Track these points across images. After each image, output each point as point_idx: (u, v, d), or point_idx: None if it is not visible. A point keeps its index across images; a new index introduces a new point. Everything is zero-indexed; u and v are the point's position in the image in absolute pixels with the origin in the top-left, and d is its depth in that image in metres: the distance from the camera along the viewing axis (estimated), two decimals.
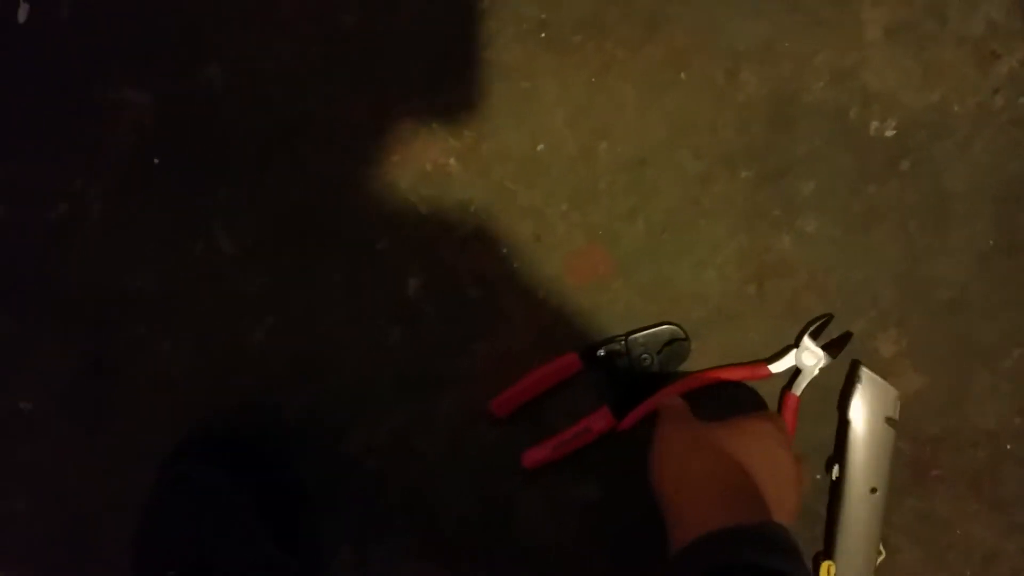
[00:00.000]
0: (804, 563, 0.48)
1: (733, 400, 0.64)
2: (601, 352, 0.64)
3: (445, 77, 0.63)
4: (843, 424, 0.63)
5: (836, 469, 0.63)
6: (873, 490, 0.62)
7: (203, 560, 0.63)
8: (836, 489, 0.63)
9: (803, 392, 0.63)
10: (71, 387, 0.68)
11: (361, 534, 0.68)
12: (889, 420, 0.62)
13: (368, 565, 0.68)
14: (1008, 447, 0.63)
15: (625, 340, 0.64)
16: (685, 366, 0.64)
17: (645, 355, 0.64)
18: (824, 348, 0.62)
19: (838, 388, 0.63)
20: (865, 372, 0.62)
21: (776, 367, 0.63)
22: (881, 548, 0.63)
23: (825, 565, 0.63)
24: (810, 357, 0.63)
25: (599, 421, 0.64)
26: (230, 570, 0.62)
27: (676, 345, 0.64)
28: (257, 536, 0.64)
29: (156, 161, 0.66)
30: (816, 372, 0.62)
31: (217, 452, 0.65)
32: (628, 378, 0.64)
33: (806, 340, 0.63)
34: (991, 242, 0.61)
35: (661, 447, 0.56)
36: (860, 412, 0.62)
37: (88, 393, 0.68)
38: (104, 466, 0.69)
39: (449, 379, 0.66)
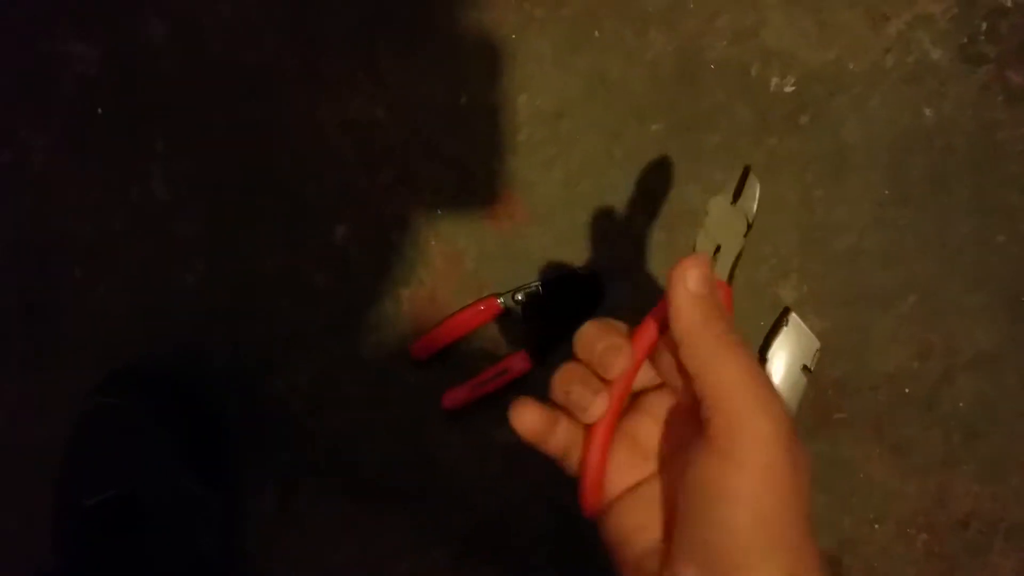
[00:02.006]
0: None
1: None
2: (519, 296, 0.66)
3: (374, 32, 0.67)
4: (761, 363, 0.65)
5: None
6: None
7: (123, 491, 0.64)
8: None
9: None
10: (5, 330, 0.70)
11: (285, 475, 0.70)
12: (805, 368, 0.65)
13: (291, 505, 0.69)
14: (907, 390, 0.65)
15: (541, 284, 0.66)
16: (599, 310, 0.66)
17: (561, 298, 0.66)
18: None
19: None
20: (793, 318, 0.65)
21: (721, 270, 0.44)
22: None
23: None
24: (728, 221, 0.45)
25: (517, 363, 0.66)
26: (151, 503, 0.64)
27: (590, 288, 0.66)
28: (179, 471, 0.65)
29: (100, 111, 0.69)
30: (743, 243, 0.44)
31: (142, 387, 0.67)
32: (545, 321, 0.66)
33: (715, 203, 0.45)
34: (886, 192, 0.65)
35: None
36: (779, 356, 0.65)
37: (22, 336, 0.70)
38: (35, 408, 0.70)
39: (374, 323, 0.69)
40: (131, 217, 0.69)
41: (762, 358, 0.65)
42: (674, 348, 0.39)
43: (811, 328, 0.65)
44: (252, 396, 0.69)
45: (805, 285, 0.65)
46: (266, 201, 0.68)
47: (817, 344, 0.64)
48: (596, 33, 0.66)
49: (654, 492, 0.41)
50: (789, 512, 0.35)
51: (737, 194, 0.45)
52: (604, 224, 0.67)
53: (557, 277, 0.67)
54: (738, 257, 0.44)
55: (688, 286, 0.39)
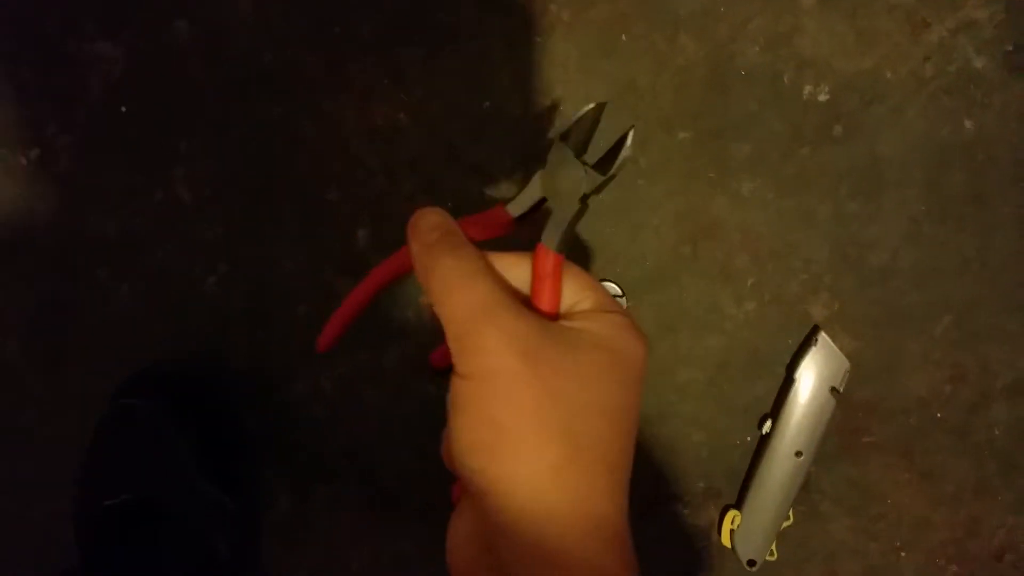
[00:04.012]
0: None
1: None
2: None
3: (397, 36, 0.66)
4: (788, 383, 0.63)
5: (768, 425, 0.63)
6: (798, 454, 0.62)
7: (142, 494, 0.64)
8: (763, 445, 0.63)
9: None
10: (32, 328, 0.71)
11: (301, 480, 0.69)
12: (833, 390, 0.62)
13: (307, 510, 0.69)
14: (938, 415, 0.63)
15: None
16: None
17: None
18: (596, 166, 0.35)
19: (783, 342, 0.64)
20: (823, 338, 0.62)
21: (517, 206, 0.38)
22: (790, 514, 0.63)
23: (731, 514, 0.63)
24: (566, 178, 0.36)
25: None
26: (169, 505, 0.64)
27: None
28: (197, 474, 0.66)
29: (124, 110, 0.69)
30: (578, 204, 0.36)
31: (162, 389, 0.67)
32: None
33: (555, 151, 0.36)
34: (923, 208, 0.62)
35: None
36: (807, 376, 0.62)
37: (48, 334, 0.70)
38: (61, 405, 0.71)
39: (396, 331, 0.68)
40: (154, 218, 0.69)
41: (789, 377, 0.63)
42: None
43: (841, 348, 0.62)
44: (271, 400, 0.69)
45: (836, 303, 0.63)
46: (288, 205, 0.68)
47: (847, 365, 0.62)
48: (624, 37, 0.64)
49: None
50: (531, 420, 0.33)
51: (583, 142, 0.37)
52: (628, 236, 0.65)
53: None
54: (573, 221, 0.36)
55: (417, 238, 0.37)
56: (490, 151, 0.66)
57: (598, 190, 0.36)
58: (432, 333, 0.66)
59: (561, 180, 0.36)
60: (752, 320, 0.64)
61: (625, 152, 0.35)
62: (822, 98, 0.62)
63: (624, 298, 0.64)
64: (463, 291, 0.35)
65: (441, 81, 0.66)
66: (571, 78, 0.65)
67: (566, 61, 0.65)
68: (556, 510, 0.33)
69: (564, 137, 0.36)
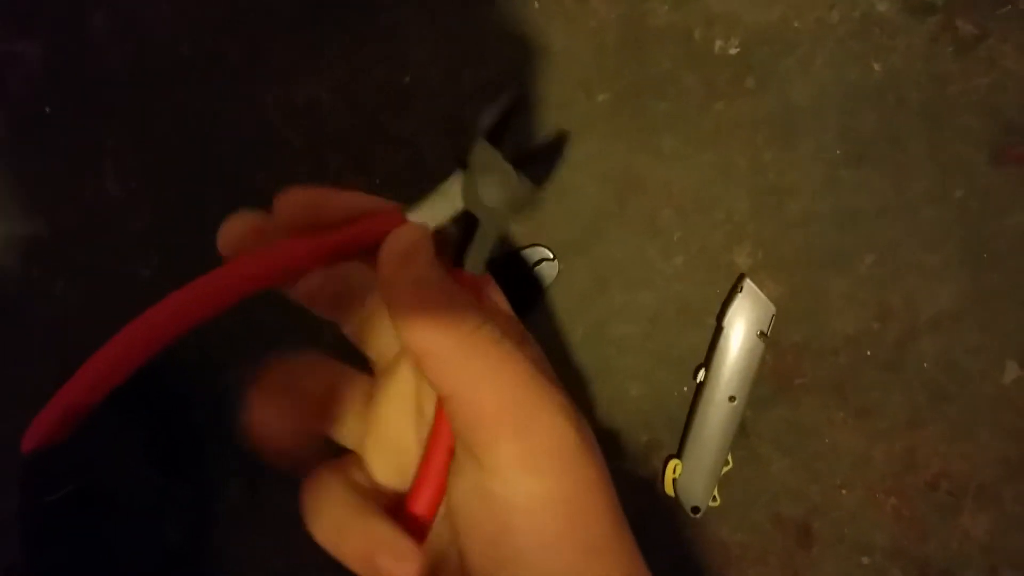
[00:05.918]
0: None
1: None
2: None
3: (313, 15, 0.67)
4: (718, 331, 0.64)
5: (702, 374, 0.64)
6: (732, 399, 0.63)
7: (85, 485, 0.64)
8: (698, 394, 0.64)
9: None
10: None
11: (252, 467, 0.69)
12: (761, 334, 0.64)
13: (257, 494, 0.70)
14: (868, 353, 0.64)
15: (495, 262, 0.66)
16: (552, 286, 0.66)
17: (515, 275, 0.66)
18: (519, 164, 0.30)
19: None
20: (748, 284, 0.63)
21: (428, 215, 0.31)
22: (729, 459, 0.64)
23: (672, 464, 0.65)
24: (497, 187, 0.30)
25: None
26: (116, 496, 0.64)
27: (544, 265, 0.66)
28: (144, 464, 0.66)
29: (47, 110, 0.69)
30: (510, 217, 0.32)
31: None
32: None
33: (479, 152, 0.30)
34: (838, 152, 0.63)
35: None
36: (736, 323, 0.64)
37: None
38: (4, 411, 0.70)
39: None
40: (85, 214, 0.69)
41: (719, 326, 0.64)
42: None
43: (768, 294, 0.64)
44: (214, 386, 0.69)
45: (760, 251, 0.64)
46: (216, 192, 0.68)
47: (773, 309, 0.63)
48: (536, 5, 0.65)
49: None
50: (586, 533, 0.29)
51: (525, 155, 0.30)
52: (555, 199, 0.66)
53: (510, 254, 0.66)
54: (501, 238, 0.32)
55: (408, 280, 0.29)
56: (415, 124, 0.67)
57: (531, 201, 0.30)
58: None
59: (490, 189, 0.30)
60: (681, 273, 0.65)
61: (559, 161, 0.31)
62: (733, 51, 0.64)
63: (555, 260, 0.65)
64: (508, 360, 0.29)
65: (360, 58, 0.67)
66: (488, 46, 0.66)
67: (482, 29, 0.66)
68: None
69: (490, 137, 0.30)
